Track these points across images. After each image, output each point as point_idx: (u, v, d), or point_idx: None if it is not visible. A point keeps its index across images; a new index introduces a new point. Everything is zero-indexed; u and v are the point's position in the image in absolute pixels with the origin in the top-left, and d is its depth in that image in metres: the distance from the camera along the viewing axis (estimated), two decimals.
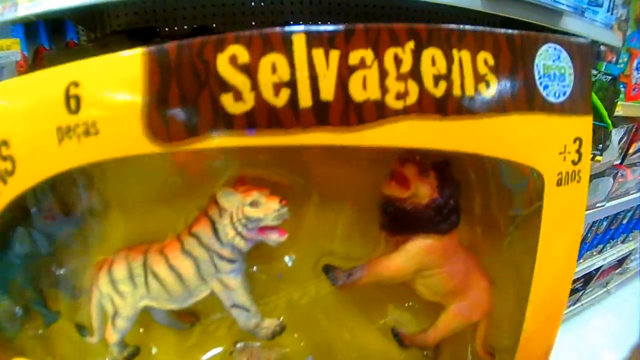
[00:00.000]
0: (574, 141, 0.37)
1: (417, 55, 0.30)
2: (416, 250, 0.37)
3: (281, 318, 0.39)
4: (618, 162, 1.24)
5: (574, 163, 0.38)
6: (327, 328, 0.45)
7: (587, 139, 0.38)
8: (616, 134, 1.12)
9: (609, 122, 0.88)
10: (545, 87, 0.36)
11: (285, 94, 0.27)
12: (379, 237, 0.39)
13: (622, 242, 1.53)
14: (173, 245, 0.37)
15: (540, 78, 0.35)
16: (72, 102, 0.29)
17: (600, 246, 1.42)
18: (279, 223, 0.33)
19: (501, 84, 0.33)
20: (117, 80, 0.28)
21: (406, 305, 0.45)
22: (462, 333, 0.44)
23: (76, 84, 0.29)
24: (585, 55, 0.38)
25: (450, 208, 0.36)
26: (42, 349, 0.45)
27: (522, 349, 0.42)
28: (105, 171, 0.39)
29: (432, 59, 0.31)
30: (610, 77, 0.90)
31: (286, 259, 0.42)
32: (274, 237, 0.34)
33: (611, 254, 1.44)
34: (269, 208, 0.33)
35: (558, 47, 0.36)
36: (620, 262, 1.56)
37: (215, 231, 0.35)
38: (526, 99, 0.35)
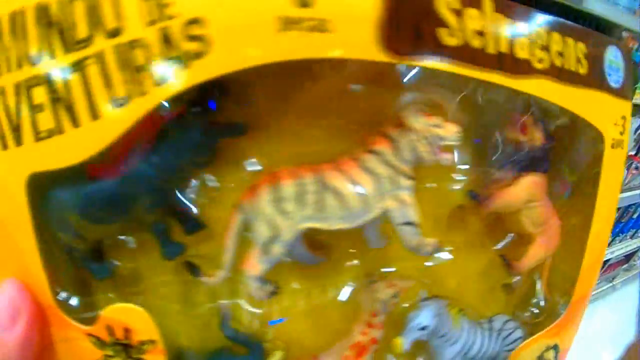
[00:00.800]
0: (622, 118, 0.52)
1: (548, 36, 0.43)
2: (528, 183, 0.49)
3: (437, 239, 0.43)
4: (633, 152, 1.23)
5: (621, 134, 0.52)
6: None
7: (628, 118, 0.53)
8: (632, 123, 1.11)
9: None
10: (609, 75, 0.50)
11: (478, 40, 0.38)
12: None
13: (631, 237, 1.52)
14: (349, 163, 0.39)
15: (607, 68, 0.50)
16: None
17: (609, 239, 1.34)
18: (455, 144, 0.41)
19: (589, 67, 0.47)
20: None
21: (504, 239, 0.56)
22: (534, 269, 0.56)
23: None
24: (630, 56, 0.53)
25: (550, 153, 0.49)
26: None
27: (577, 287, 0.54)
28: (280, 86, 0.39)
29: (555, 40, 0.43)
30: None
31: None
32: (448, 157, 0.41)
33: (619, 248, 1.46)
34: (450, 130, 0.40)
35: (617, 49, 0.51)
36: (628, 257, 1.55)
37: (396, 149, 0.40)
38: (600, 81, 0.49)
